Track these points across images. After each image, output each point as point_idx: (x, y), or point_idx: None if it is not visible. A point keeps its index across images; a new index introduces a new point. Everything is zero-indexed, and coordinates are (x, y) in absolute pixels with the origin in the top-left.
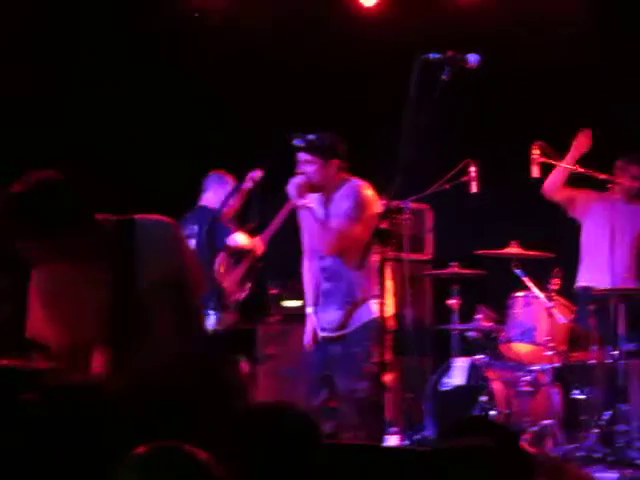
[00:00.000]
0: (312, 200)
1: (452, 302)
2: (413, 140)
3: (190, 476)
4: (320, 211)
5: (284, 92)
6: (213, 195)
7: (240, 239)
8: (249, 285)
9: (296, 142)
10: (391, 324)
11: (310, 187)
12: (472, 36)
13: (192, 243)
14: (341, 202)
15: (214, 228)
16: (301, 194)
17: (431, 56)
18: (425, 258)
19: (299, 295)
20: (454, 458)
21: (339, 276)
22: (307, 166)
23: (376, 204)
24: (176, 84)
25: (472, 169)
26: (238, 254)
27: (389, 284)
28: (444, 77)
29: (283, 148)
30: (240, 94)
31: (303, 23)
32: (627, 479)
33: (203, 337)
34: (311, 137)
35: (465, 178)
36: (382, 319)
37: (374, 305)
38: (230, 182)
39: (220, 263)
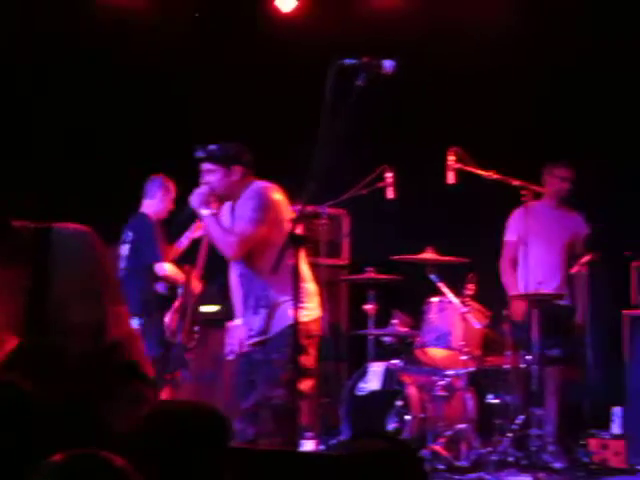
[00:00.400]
0: (223, 211)
1: (368, 307)
2: (329, 145)
3: None
4: (228, 220)
5: (201, 95)
6: (151, 201)
7: (168, 268)
8: (197, 328)
9: (197, 153)
10: (315, 328)
11: (216, 197)
12: (389, 42)
13: (125, 249)
14: (244, 205)
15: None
16: (204, 203)
17: (346, 62)
18: (341, 263)
19: (215, 300)
20: (364, 462)
21: (251, 281)
22: (210, 175)
23: (284, 206)
24: (94, 85)
25: (388, 175)
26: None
27: (313, 287)
28: (359, 83)
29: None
30: (161, 97)
31: (222, 26)
32: None
33: (120, 345)
34: (212, 147)
35: (381, 184)
36: (302, 324)
37: (293, 310)
38: (172, 188)
39: (171, 320)
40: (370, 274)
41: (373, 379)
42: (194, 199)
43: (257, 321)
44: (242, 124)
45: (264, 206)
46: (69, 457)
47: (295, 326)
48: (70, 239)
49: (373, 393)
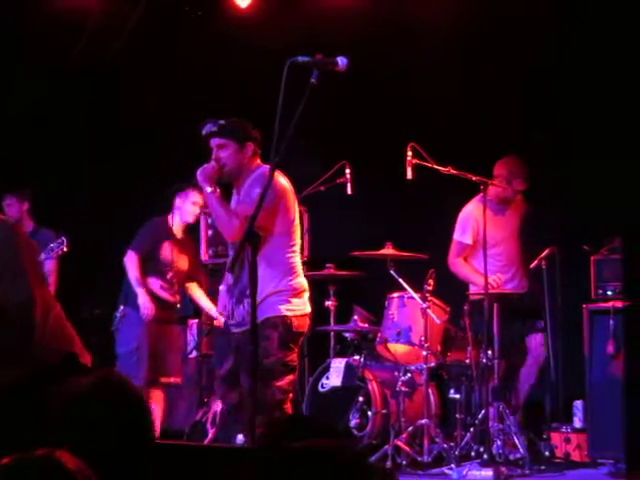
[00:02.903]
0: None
1: (329, 303)
2: (285, 143)
3: None
4: (234, 200)
5: (157, 90)
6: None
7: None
8: None
9: (207, 128)
10: (299, 324)
11: (222, 174)
12: (344, 38)
13: None
14: (250, 187)
15: None
16: (209, 180)
17: (300, 59)
18: (301, 260)
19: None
20: (291, 460)
21: (243, 270)
22: (221, 151)
23: (290, 194)
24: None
25: (347, 171)
26: None
27: (302, 282)
28: (313, 80)
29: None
30: (117, 95)
31: (177, 21)
32: (502, 476)
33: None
34: (222, 121)
35: (341, 180)
36: (284, 318)
37: (276, 302)
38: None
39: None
40: (330, 270)
41: (335, 375)
42: (200, 173)
43: (239, 311)
44: (196, 120)
45: (271, 191)
46: (17, 459)
47: (284, 319)
48: None
49: (335, 389)
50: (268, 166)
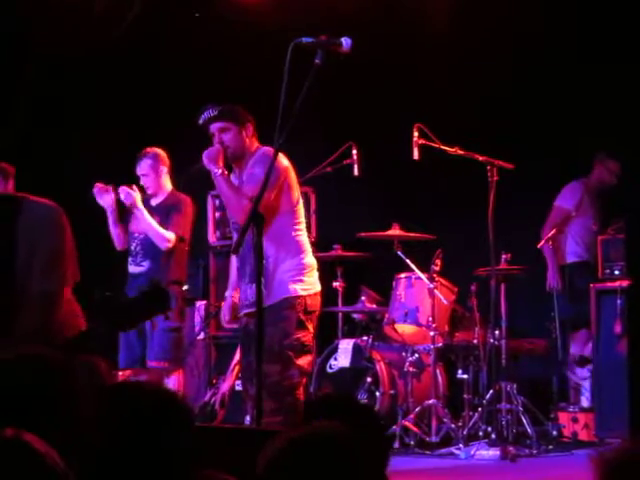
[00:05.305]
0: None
1: (336, 284)
2: (289, 124)
3: (25, 468)
4: (235, 182)
5: (160, 76)
6: None
7: None
8: None
9: (207, 113)
10: (313, 303)
11: (226, 157)
12: (349, 19)
13: None
14: (254, 168)
15: None
16: (216, 162)
17: (304, 40)
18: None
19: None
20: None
21: (249, 249)
22: (223, 134)
23: (292, 173)
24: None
25: (354, 152)
26: None
27: (312, 260)
28: (317, 61)
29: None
30: (122, 80)
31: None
32: (509, 456)
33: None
34: (221, 107)
35: (347, 161)
36: (299, 298)
37: (292, 282)
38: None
39: None
40: (338, 251)
41: (343, 356)
42: (206, 156)
43: (252, 291)
44: (200, 105)
45: (274, 170)
46: None
47: (299, 299)
48: (38, 210)
49: (343, 370)
50: (268, 147)
